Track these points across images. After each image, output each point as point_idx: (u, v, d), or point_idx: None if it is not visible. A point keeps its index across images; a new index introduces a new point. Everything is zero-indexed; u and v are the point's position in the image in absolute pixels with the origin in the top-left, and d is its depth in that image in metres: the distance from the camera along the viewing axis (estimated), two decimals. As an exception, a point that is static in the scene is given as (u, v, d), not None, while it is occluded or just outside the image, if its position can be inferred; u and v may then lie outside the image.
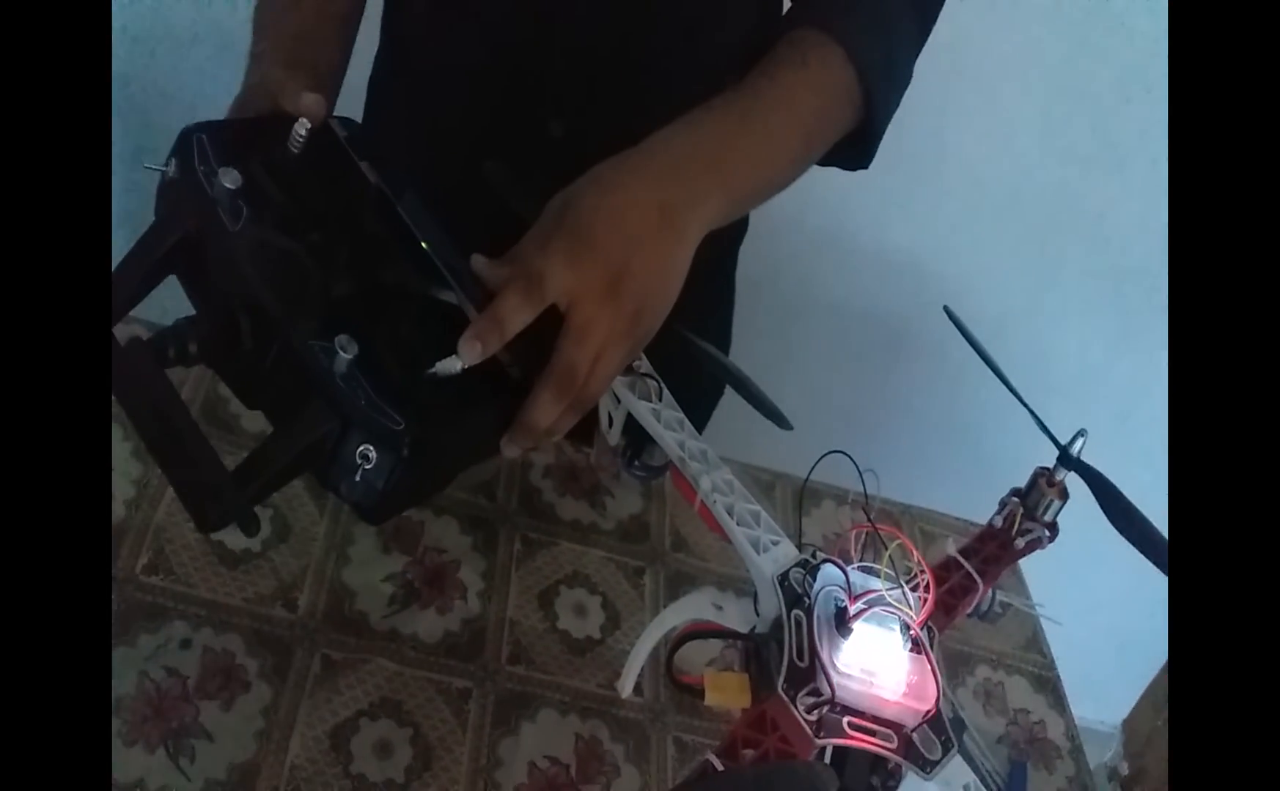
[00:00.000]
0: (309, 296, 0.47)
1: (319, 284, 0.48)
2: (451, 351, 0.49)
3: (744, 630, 0.55)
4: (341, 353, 0.45)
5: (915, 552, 0.51)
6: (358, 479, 0.46)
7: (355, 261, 0.51)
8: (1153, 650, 1.71)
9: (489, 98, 0.73)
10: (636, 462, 0.69)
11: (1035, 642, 0.84)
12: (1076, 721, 0.81)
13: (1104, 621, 1.50)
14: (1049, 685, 0.80)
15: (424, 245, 0.53)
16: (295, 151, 0.52)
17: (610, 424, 0.65)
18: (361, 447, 0.45)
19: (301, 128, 0.52)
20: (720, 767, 0.43)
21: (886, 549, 0.51)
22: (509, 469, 0.77)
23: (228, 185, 0.48)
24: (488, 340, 0.50)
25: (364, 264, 0.51)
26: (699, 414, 0.91)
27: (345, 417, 0.45)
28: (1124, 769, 1.73)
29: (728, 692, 0.51)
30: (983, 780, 0.72)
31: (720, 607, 0.60)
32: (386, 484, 0.46)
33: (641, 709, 0.64)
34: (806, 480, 0.81)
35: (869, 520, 0.53)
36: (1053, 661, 0.83)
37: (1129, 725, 1.75)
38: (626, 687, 0.65)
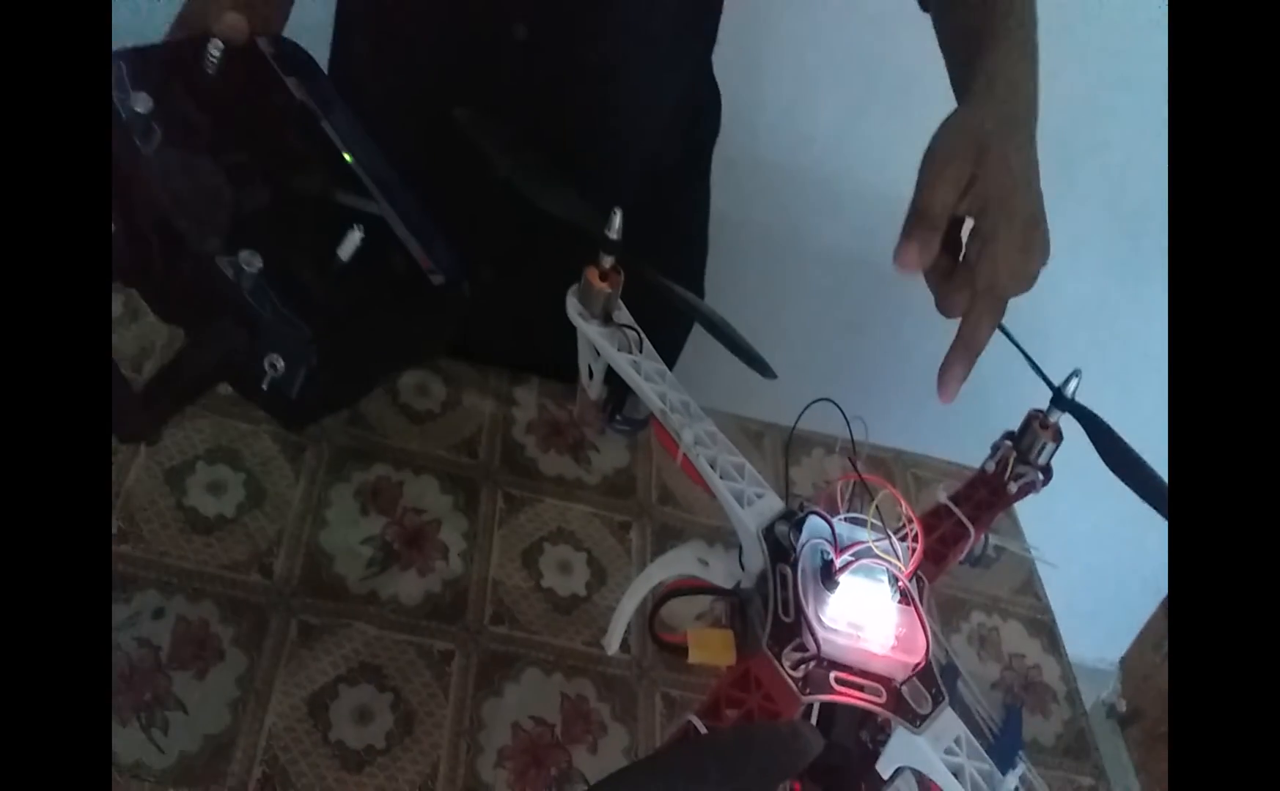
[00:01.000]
0: (219, 214, 0.48)
1: (230, 201, 0.49)
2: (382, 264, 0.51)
3: (729, 586, 0.54)
4: (246, 268, 0.46)
5: (903, 502, 0.49)
6: (265, 388, 0.47)
7: (273, 177, 0.51)
8: (1150, 588, 1.71)
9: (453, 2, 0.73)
10: (619, 416, 0.67)
11: (1030, 586, 0.82)
12: (1074, 660, 0.80)
13: (1101, 561, 1.49)
14: (1044, 628, 0.79)
15: (347, 158, 0.52)
16: (211, 72, 0.52)
17: (591, 376, 0.63)
18: (269, 357, 0.46)
19: (214, 49, 0.52)
20: (702, 728, 0.42)
21: (873, 499, 0.50)
22: (490, 425, 0.75)
23: (139, 109, 0.48)
24: (966, 362, 0.57)
25: (282, 179, 0.51)
26: (667, 357, 0.90)
27: (251, 329, 0.46)
28: (1121, 706, 1.73)
29: (712, 650, 0.49)
30: (977, 728, 0.71)
31: (706, 562, 0.58)
32: (299, 391, 0.47)
33: (628, 666, 0.63)
34: (793, 429, 0.79)
35: (855, 469, 0.51)
36: (1048, 604, 0.82)
37: (1127, 663, 1.75)
38: (613, 645, 0.64)
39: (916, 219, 0.56)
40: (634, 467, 0.77)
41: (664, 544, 0.72)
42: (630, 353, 0.60)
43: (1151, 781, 1.64)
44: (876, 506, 0.49)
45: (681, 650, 0.50)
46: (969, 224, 0.59)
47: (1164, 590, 1.69)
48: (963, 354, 0.58)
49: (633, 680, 0.63)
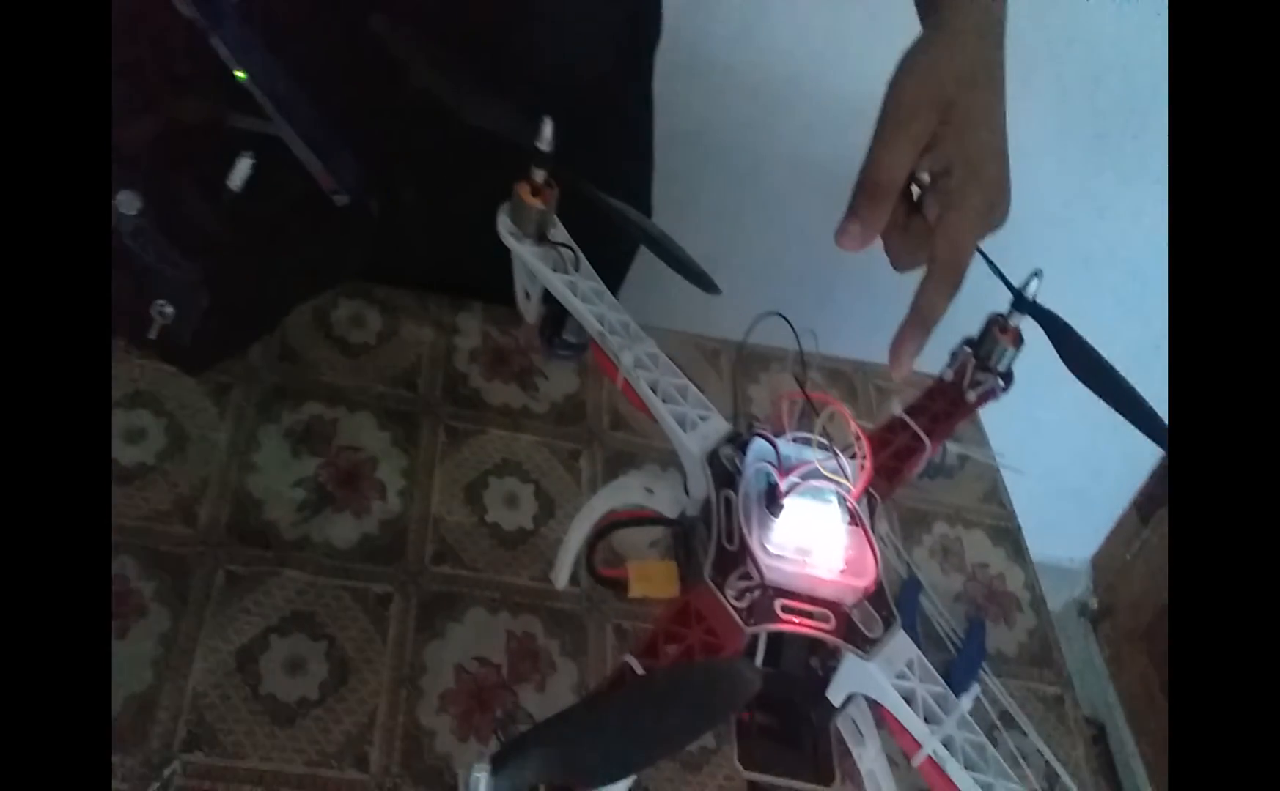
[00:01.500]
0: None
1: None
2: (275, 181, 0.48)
3: (674, 514, 0.52)
4: (124, 211, 0.43)
5: (850, 418, 0.47)
6: (153, 336, 0.45)
7: (156, 106, 0.47)
8: (1119, 486, 1.71)
9: None
10: (558, 340, 0.64)
11: (995, 494, 0.81)
12: (1045, 561, 0.79)
13: (1070, 462, 1.48)
14: (1008, 536, 0.78)
15: (239, 76, 0.48)
16: None
17: (528, 299, 0.60)
18: (156, 304, 0.44)
19: None
20: (639, 668, 0.39)
21: (819, 416, 0.47)
22: (430, 355, 0.72)
23: None
24: (920, 335, 0.52)
25: (166, 106, 0.48)
26: (613, 276, 0.86)
27: (133, 276, 0.44)
28: (1093, 604, 1.75)
29: (654, 583, 0.47)
30: (944, 638, 0.70)
31: (651, 490, 0.56)
32: (194, 335, 0.45)
33: (578, 599, 0.61)
34: (743, 345, 0.76)
35: (800, 386, 0.49)
36: (1012, 512, 0.80)
37: (1098, 561, 1.77)
38: (561, 579, 0.62)
39: (865, 188, 0.50)
40: (584, 393, 0.74)
41: (616, 471, 0.69)
42: (566, 272, 0.56)
43: (1122, 675, 1.66)
44: (823, 425, 0.47)
45: (622, 584, 0.47)
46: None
47: (1134, 488, 1.70)
48: (917, 328, 0.53)
49: (582, 614, 0.60)
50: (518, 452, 0.68)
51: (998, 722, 0.66)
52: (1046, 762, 0.64)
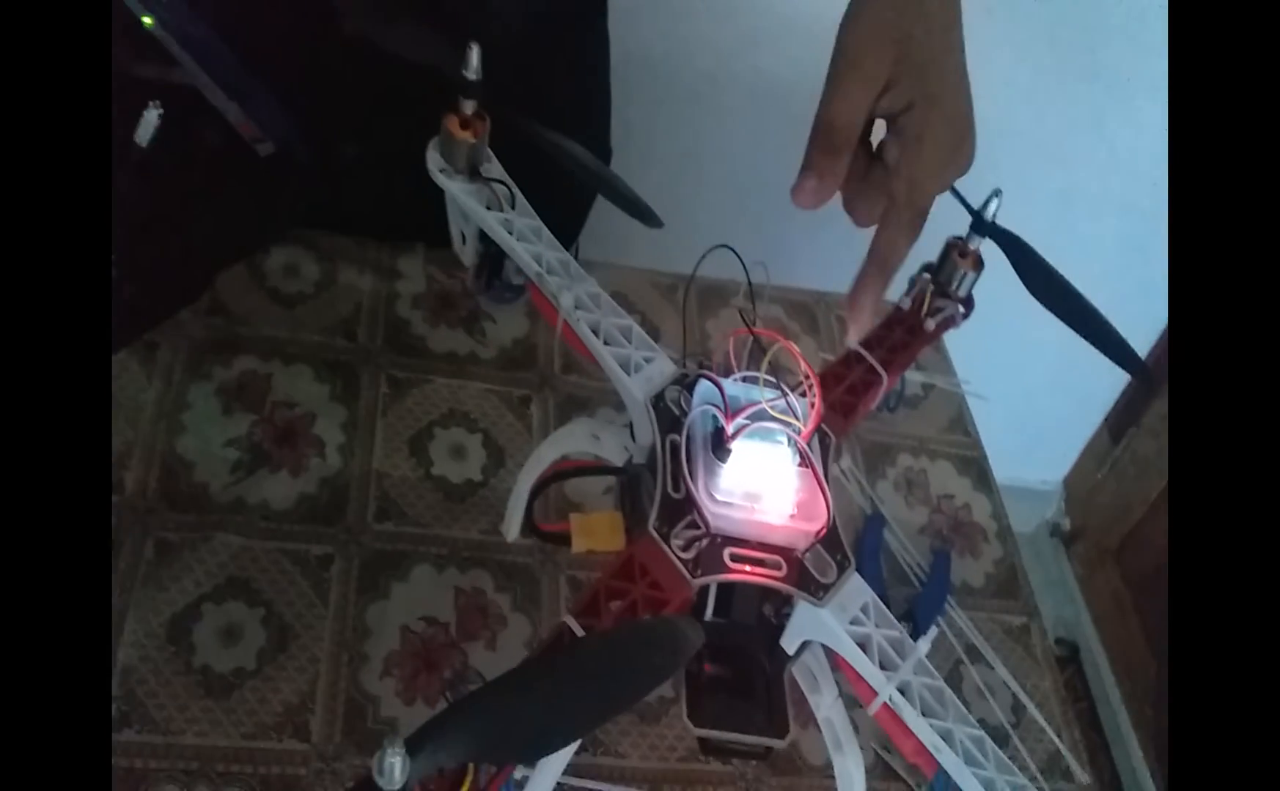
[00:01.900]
0: None
1: None
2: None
3: (621, 462, 0.49)
4: None
5: (798, 355, 0.44)
6: None
7: None
8: (1090, 406, 1.71)
9: None
10: (496, 282, 0.61)
11: (960, 422, 0.79)
12: (1017, 484, 0.77)
13: (1040, 384, 1.47)
14: (974, 465, 0.76)
15: (146, 21, 0.44)
16: None
17: (464, 241, 0.57)
18: None
19: None
20: (578, 629, 0.37)
21: (767, 354, 0.45)
22: (371, 302, 0.69)
23: None
24: (879, 282, 0.49)
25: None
26: (575, 219, 0.83)
27: None
28: (1065, 525, 1.76)
29: (598, 536, 0.45)
30: (909, 572, 0.69)
31: (598, 437, 0.53)
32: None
33: (529, 551, 0.59)
34: (691, 280, 0.74)
35: (746, 322, 0.46)
36: (978, 440, 0.78)
37: (1069, 482, 1.77)
38: (511, 531, 0.59)
39: (820, 138, 0.47)
40: (534, 336, 0.71)
41: (568, 417, 0.67)
42: (501, 210, 0.53)
43: (1094, 594, 1.68)
44: (768, 361, 0.44)
45: (564, 538, 0.45)
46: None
47: (1105, 406, 1.69)
48: (876, 275, 0.50)
49: (534, 566, 0.58)
50: (465, 401, 0.65)
51: (964, 656, 0.65)
52: (1014, 694, 0.63)
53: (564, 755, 0.38)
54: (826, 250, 0.93)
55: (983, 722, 0.62)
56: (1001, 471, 0.79)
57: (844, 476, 0.72)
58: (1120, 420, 1.66)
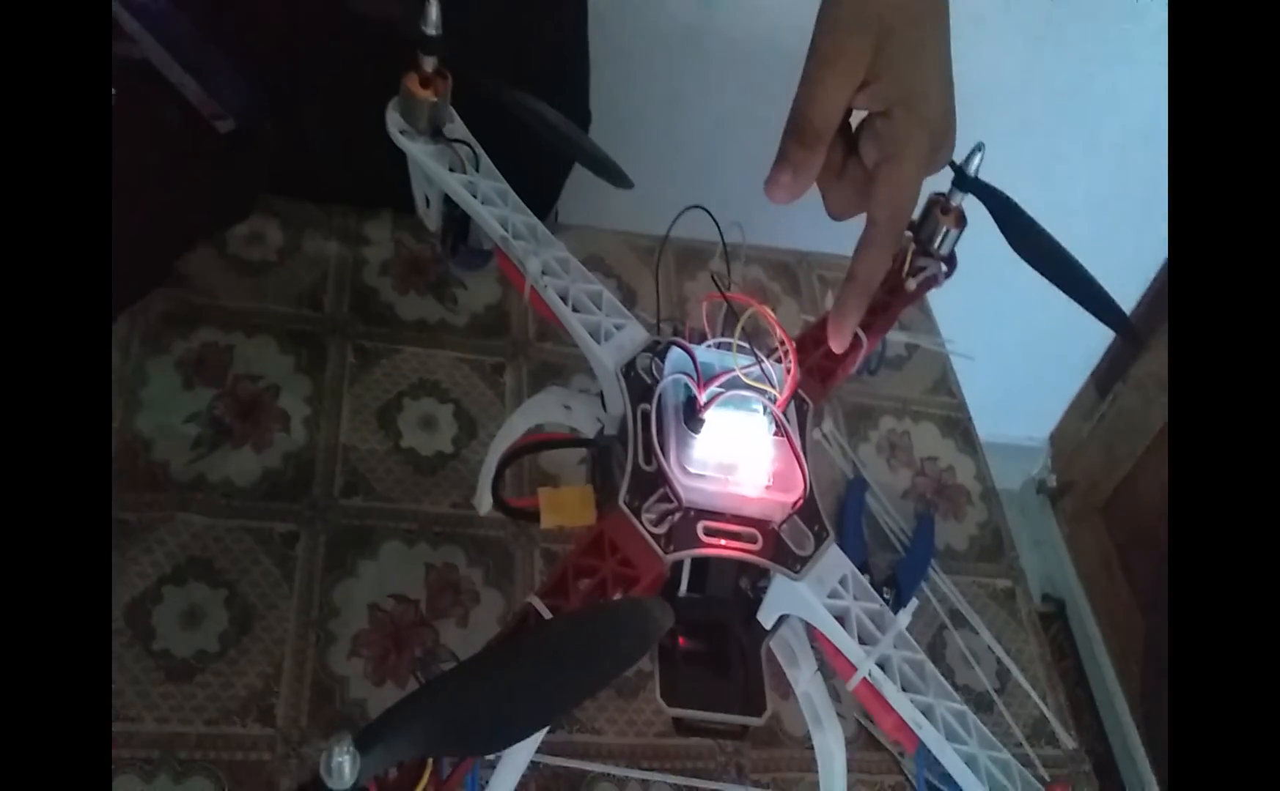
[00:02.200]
0: None
1: None
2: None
3: (593, 432, 0.48)
4: None
5: (774, 321, 0.42)
6: None
7: None
8: (1075, 362, 1.70)
9: None
10: (462, 247, 0.59)
11: (944, 383, 0.78)
12: (1004, 441, 0.76)
13: (1024, 340, 1.46)
14: (959, 427, 0.75)
15: None
16: None
17: (428, 205, 0.55)
18: None
19: None
20: (545, 611, 0.36)
21: (740, 319, 0.43)
22: (337, 269, 0.67)
23: None
24: (860, 304, 0.47)
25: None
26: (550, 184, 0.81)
27: None
28: (1052, 481, 1.76)
29: (567, 511, 0.43)
30: (892, 538, 0.68)
31: (569, 407, 0.52)
32: None
33: (502, 525, 0.57)
34: (664, 241, 0.72)
35: (719, 287, 0.44)
36: (963, 400, 0.77)
37: (1055, 438, 1.76)
38: (484, 504, 0.58)
39: (795, 132, 0.45)
40: (507, 302, 0.69)
41: (543, 385, 0.65)
42: (465, 172, 0.51)
43: (1080, 551, 1.68)
44: (742, 327, 0.42)
45: (533, 515, 0.43)
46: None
47: (1091, 362, 1.68)
48: (858, 296, 0.47)
49: (508, 540, 0.57)
50: (435, 370, 0.63)
51: (948, 621, 0.64)
52: (998, 660, 0.63)
53: (530, 743, 0.37)
54: (809, 208, 0.90)
55: (967, 689, 0.61)
56: (986, 429, 0.77)
57: (825, 440, 0.70)
58: (1107, 375, 1.65)
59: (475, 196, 0.50)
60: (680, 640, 0.43)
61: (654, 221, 0.75)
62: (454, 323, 0.67)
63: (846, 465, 0.69)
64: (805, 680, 0.43)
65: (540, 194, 0.83)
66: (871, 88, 0.45)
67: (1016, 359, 1.42)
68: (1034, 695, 0.61)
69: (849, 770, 0.45)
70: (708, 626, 0.43)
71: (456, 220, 0.53)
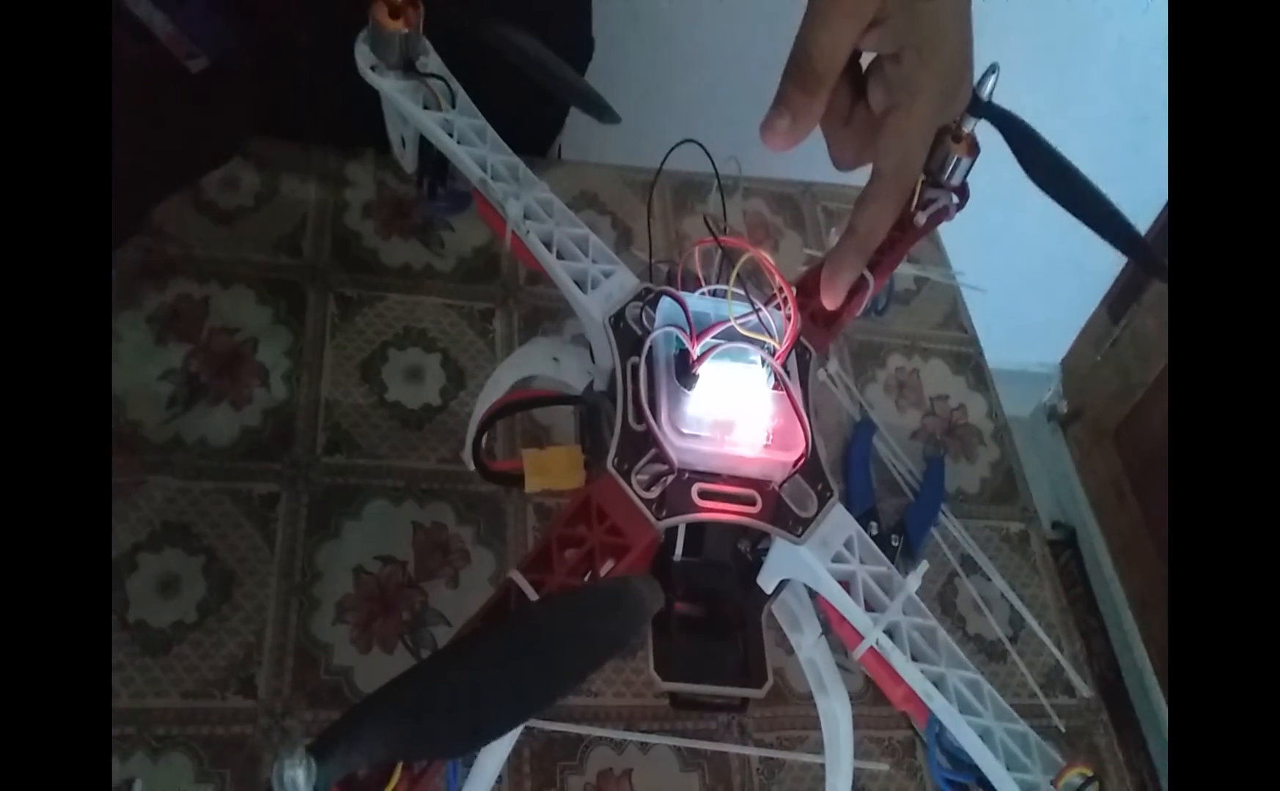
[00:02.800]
0: None
1: None
2: None
3: (583, 387, 0.45)
4: None
5: (772, 268, 0.39)
6: None
7: None
8: (1086, 289, 1.66)
9: None
10: (440, 189, 0.56)
11: (955, 316, 0.75)
12: (1015, 368, 0.74)
13: (1036, 266, 1.42)
14: (969, 362, 0.72)
15: None
16: None
17: (404, 146, 0.51)
18: None
19: None
20: (526, 587, 0.33)
21: (735, 265, 0.40)
22: (316, 214, 0.63)
23: None
24: (858, 261, 0.43)
25: None
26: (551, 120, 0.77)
27: None
28: (1063, 407, 1.73)
29: (552, 473, 0.41)
30: (900, 482, 0.65)
31: (558, 359, 0.49)
32: None
33: (493, 479, 0.55)
34: (657, 176, 0.68)
35: (711, 231, 0.41)
36: (974, 334, 0.74)
37: (1067, 364, 1.73)
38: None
39: (796, 75, 0.41)
40: (496, 245, 0.66)
41: (535, 331, 0.63)
42: (441, 110, 0.48)
43: (1091, 476, 1.66)
44: (738, 274, 0.39)
45: (516, 479, 0.41)
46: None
47: (1104, 287, 1.64)
48: (855, 254, 0.43)
49: (499, 496, 0.55)
50: (421, 318, 0.61)
51: (959, 568, 0.61)
52: (1012, 606, 0.60)
53: (507, 740, 0.35)
54: (813, 137, 0.87)
55: (979, 637, 0.59)
56: (996, 357, 0.74)
57: (830, 381, 0.68)
58: (1120, 300, 1.61)
59: (451, 135, 0.47)
60: (675, 604, 0.41)
61: (658, 155, 0.72)
62: (440, 267, 0.64)
63: (853, 407, 0.67)
64: (809, 645, 0.41)
65: (542, 127, 0.79)
66: (881, 27, 0.41)
67: (1027, 285, 1.39)
68: (1049, 643, 0.59)
69: (856, 726, 0.43)
70: (704, 591, 0.41)
71: (434, 161, 0.50)
